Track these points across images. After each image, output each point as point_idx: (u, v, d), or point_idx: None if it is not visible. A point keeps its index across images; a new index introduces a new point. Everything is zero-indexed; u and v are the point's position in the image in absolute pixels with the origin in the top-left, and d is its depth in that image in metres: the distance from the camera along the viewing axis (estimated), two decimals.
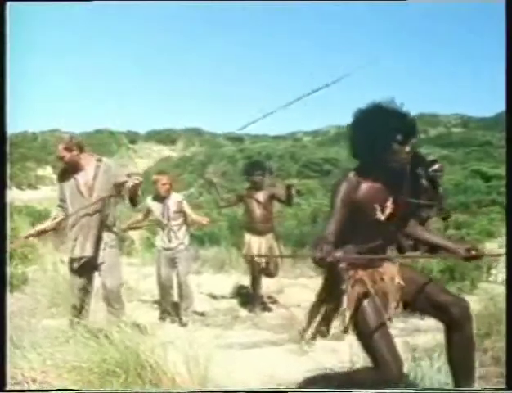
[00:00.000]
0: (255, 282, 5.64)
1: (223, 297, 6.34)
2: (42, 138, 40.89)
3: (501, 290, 6.17)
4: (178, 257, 5.23)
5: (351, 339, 4.03)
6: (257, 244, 5.52)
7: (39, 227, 4.04)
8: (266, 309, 5.68)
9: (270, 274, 5.68)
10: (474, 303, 3.40)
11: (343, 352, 3.32)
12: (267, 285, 5.94)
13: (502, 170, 24.18)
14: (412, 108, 2.44)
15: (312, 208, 10.91)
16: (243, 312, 5.61)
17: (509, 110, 2.61)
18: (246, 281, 6.47)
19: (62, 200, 3.91)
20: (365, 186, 2.31)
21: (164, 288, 5.31)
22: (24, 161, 32.82)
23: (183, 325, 5.07)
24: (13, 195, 23.65)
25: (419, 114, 50.03)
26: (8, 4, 2.59)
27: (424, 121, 48.18)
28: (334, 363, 3.21)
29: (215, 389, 2.68)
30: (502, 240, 9.84)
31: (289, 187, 5.38)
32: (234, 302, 6.17)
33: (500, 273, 7.08)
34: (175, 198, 5.34)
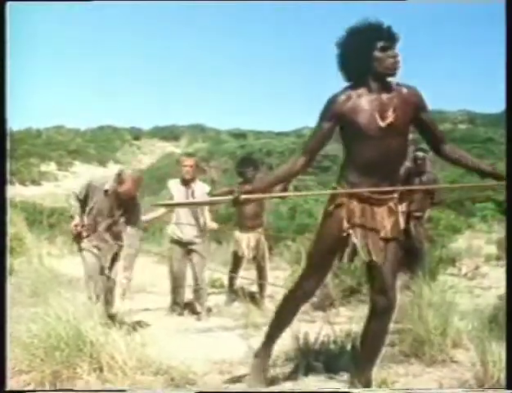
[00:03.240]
0: (233, 277, 5.75)
1: None
2: (46, 135, 41.39)
3: (458, 281, 6.46)
4: (195, 249, 5.08)
5: (297, 325, 4.33)
6: (245, 240, 5.55)
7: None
8: (236, 300, 5.91)
9: (259, 267, 5.66)
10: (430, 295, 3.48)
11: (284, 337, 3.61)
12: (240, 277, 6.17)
13: (499, 167, 24.19)
14: None
15: (292, 203, 11.15)
16: (211, 302, 5.89)
17: (509, 109, 2.61)
18: (221, 273, 6.75)
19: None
20: (357, 97, 2.39)
21: (176, 281, 5.15)
22: (27, 158, 33.25)
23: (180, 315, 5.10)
24: (16, 191, 24.11)
25: None
26: (8, 4, 2.61)
27: None
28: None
29: (215, 390, 2.92)
30: (468, 235, 10.09)
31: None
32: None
33: (464, 265, 7.34)
34: (203, 187, 5.13)
